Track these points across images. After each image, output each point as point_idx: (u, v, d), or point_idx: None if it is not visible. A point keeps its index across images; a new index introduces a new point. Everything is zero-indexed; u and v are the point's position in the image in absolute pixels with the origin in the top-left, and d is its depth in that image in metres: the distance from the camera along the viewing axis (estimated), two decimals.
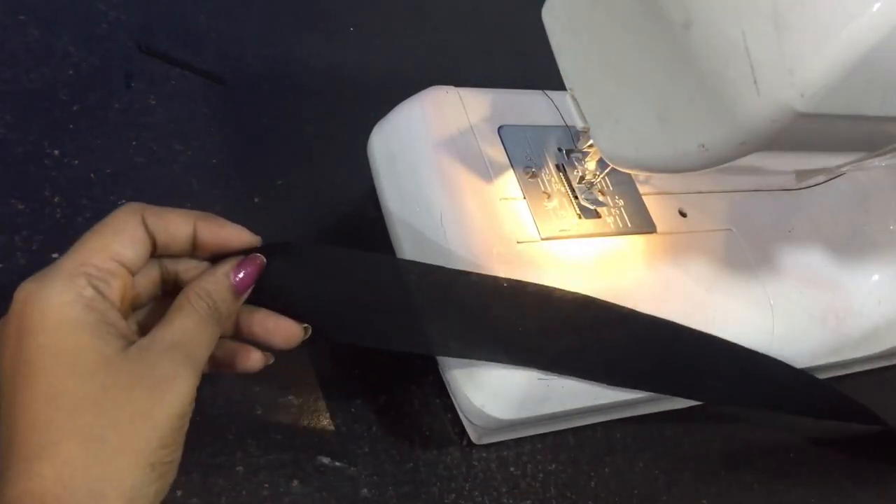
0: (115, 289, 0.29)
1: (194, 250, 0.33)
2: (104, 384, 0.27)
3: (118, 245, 0.29)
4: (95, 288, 0.28)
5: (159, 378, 0.28)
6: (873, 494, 0.51)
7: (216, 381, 0.41)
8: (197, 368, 0.30)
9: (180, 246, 0.32)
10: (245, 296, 0.33)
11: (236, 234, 0.33)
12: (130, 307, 0.31)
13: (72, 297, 0.27)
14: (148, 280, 0.32)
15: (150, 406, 0.28)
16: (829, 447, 0.52)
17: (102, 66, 0.50)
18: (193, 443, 0.39)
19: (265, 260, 0.33)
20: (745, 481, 0.49)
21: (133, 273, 0.30)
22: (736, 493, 0.48)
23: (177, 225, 0.31)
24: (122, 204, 0.31)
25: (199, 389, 0.41)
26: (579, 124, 0.36)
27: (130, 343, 0.28)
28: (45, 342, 0.27)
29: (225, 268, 0.32)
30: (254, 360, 0.35)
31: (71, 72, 0.49)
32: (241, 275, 0.32)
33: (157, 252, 0.32)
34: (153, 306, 0.33)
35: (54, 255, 0.42)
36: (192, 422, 0.40)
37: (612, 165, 0.36)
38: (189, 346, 0.29)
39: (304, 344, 0.35)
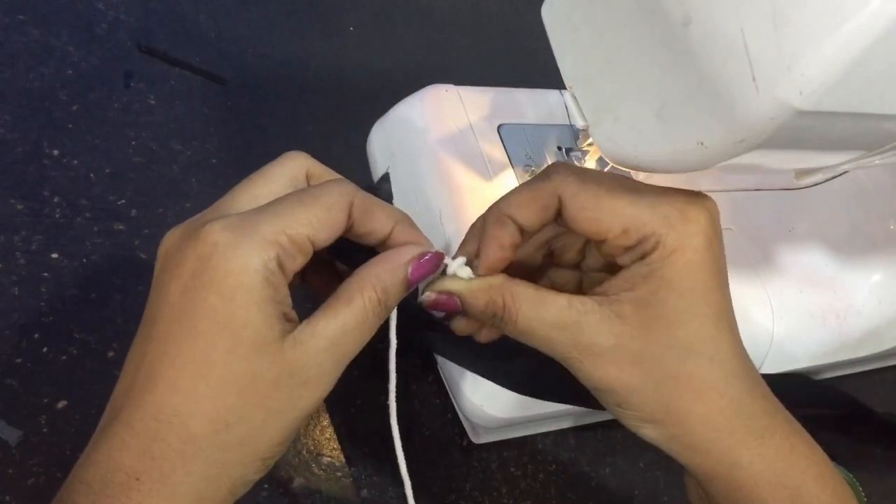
0: (297, 266, 0.27)
1: (379, 246, 0.30)
2: (255, 373, 0.26)
3: (321, 224, 0.27)
4: (280, 262, 0.26)
5: (303, 381, 0.27)
6: (873, 493, 0.51)
7: None
8: (340, 371, 0.28)
9: (373, 241, 0.30)
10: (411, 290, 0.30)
11: (424, 246, 0.30)
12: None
13: (259, 264, 0.26)
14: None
15: (285, 409, 0.27)
16: (829, 447, 0.51)
17: (102, 66, 0.50)
18: None
19: (444, 255, 0.31)
20: None
21: (317, 253, 0.28)
22: None
23: (380, 221, 0.29)
24: (334, 184, 0.28)
25: None
26: (579, 122, 0.35)
27: (289, 324, 0.27)
28: (218, 306, 0.25)
29: (405, 257, 0.29)
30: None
31: (70, 72, 0.49)
32: (419, 266, 0.30)
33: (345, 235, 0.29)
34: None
35: (54, 255, 0.42)
36: None
37: (611, 164, 0.36)
38: (345, 347, 0.28)
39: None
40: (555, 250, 0.34)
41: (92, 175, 0.46)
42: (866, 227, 0.52)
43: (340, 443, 0.42)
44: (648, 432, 0.30)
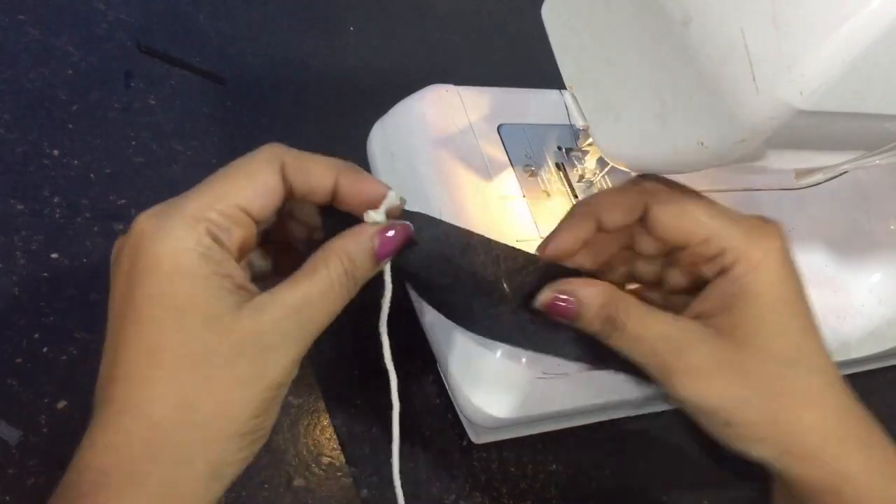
0: (236, 238, 0.27)
1: (332, 203, 0.30)
2: (208, 346, 0.25)
3: (249, 192, 0.27)
4: (215, 237, 0.26)
5: (264, 347, 0.26)
6: None
7: None
8: (308, 339, 0.27)
9: (319, 198, 0.30)
10: (382, 266, 0.30)
11: (379, 190, 0.30)
12: (250, 252, 0.30)
13: (190, 244, 0.26)
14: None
15: (250, 378, 0.26)
16: None
17: (102, 66, 0.50)
18: None
19: (412, 228, 0.30)
20: (745, 481, 0.48)
21: (259, 223, 0.28)
22: (736, 493, 0.48)
23: (318, 176, 0.29)
24: (259, 150, 0.28)
25: None
26: (579, 122, 0.36)
27: (246, 293, 0.27)
28: (157, 291, 0.25)
29: (370, 230, 0.29)
30: None
31: (70, 72, 0.49)
32: (386, 240, 0.29)
33: (291, 200, 0.29)
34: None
35: (54, 255, 0.42)
36: None
37: (611, 164, 0.36)
38: (307, 315, 0.27)
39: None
40: (635, 274, 0.35)
41: (92, 175, 0.46)
42: (866, 227, 0.52)
43: (340, 443, 0.42)
44: (760, 450, 0.30)
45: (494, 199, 0.41)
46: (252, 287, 0.27)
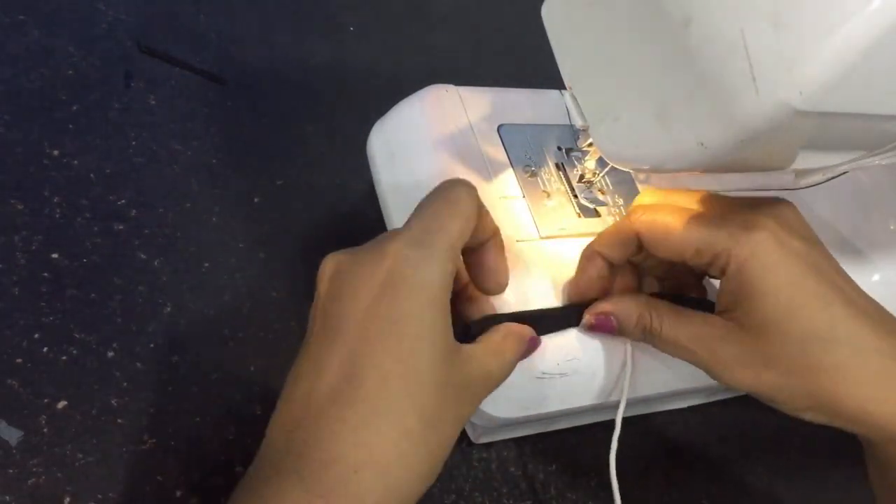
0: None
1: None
2: (449, 376, 0.28)
3: (467, 233, 0.30)
4: (452, 275, 0.29)
5: (473, 392, 0.30)
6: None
7: (216, 380, 0.41)
8: (483, 399, 0.32)
9: (475, 243, 0.33)
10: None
11: (502, 270, 0.34)
12: None
13: (442, 277, 0.28)
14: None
15: (466, 413, 0.30)
16: (829, 445, 0.51)
17: (102, 66, 0.50)
18: (193, 443, 0.39)
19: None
20: (745, 481, 0.48)
21: None
22: (736, 493, 0.48)
23: (486, 230, 0.33)
24: (465, 190, 0.31)
25: (198, 390, 0.41)
26: (579, 123, 0.36)
27: (452, 334, 0.29)
28: (418, 312, 0.27)
29: (529, 334, 0.34)
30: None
31: (71, 72, 0.49)
32: (532, 344, 0.35)
33: None
34: None
35: (54, 255, 0.42)
36: (192, 422, 0.40)
37: (611, 164, 0.36)
38: (490, 381, 0.32)
39: None
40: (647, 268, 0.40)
41: (92, 175, 0.46)
42: (866, 227, 0.52)
43: None
44: (811, 417, 0.33)
45: (494, 199, 0.41)
46: None
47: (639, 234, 0.35)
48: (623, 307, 0.36)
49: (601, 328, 0.37)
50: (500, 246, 0.34)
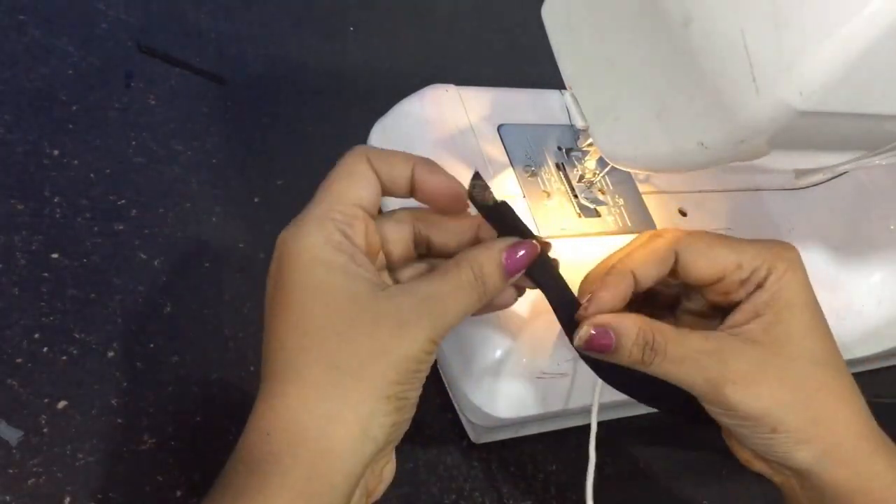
0: (359, 231, 0.31)
1: (412, 193, 0.33)
2: (350, 318, 0.29)
3: (355, 189, 0.31)
4: (343, 233, 0.30)
5: (401, 321, 0.29)
6: None
7: (215, 380, 0.41)
8: (439, 329, 0.30)
9: (400, 188, 0.33)
10: (513, 279, 0.33)
11: (446, 183, 0.33)
12: (378, 251, 0.33)
13: (321, 239, 0.30)
14: (399, 237, 0.34)
15: (389, 345, 0.29)
16: None
17: (102, 66, 0.50)
18: (193, 442, 0.39)
19: (540, 248, 0.33)
20: (745, 481, 0.48)
21: (371, 214, 0.32)
22: (736, 493, 0.48)
23: (398, 167, 0.33)
24: (347, 154, 0.32)
25: (199, 390, 0.41)
26: (579, 123, 0.36)
27: (380, 283, 0.30)
28: (300, 278, 0.29)
29: (500, 244, 0.32)
30: (507, 296, 0.35)
31: (71, 72, 0.49)
32: (515, 256, 0.32)
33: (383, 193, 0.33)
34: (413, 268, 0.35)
35: (54, 255, 0.42)
36: (192, 422, 0.40)
37: (611, 164, 0.36)
38: (438, 306, 0.30)
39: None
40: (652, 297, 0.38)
41: (92, 175, 0.46)
42: (866, 227, 0.52)
43: None
44: (802, 454, 0.32)
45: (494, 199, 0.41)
46: (387, 279, 0.33)
47: (679, 249, 0.34)
48: (623, 321, 0.33)
49: (596, 345, 0.33)
50: (428, 165, 0.33)
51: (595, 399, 0.37)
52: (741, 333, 0.33)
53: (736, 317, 0.34)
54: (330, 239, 0.30)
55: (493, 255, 0.31)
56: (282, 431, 0.28)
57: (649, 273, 0.35)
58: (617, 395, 0.41)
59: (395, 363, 0.29)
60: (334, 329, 0.29)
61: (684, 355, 0.32)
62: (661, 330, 0.33)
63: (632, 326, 0.33)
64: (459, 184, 0.33)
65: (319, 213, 0.30)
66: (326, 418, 0.28)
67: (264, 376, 0.30)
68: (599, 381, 0.36)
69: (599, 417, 0.46)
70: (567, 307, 0.34)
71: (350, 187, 0.31)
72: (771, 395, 0.32)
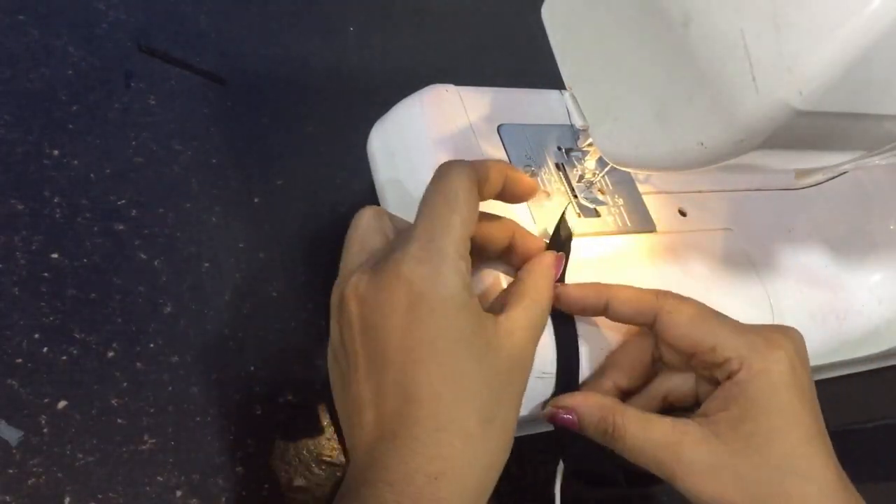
0: (469, 264, 0.32)
1: (498, 197, 0.36)
2: (494, 367, 0.31)
3: (470, 217, 0.32)
4: (466, 268, 0.31)
5: (525, 362, 0.33)
6: (875, 492, 0.51)
7: (215, 381, 0.41)
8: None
9: (489, 195, 0.35)
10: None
11: (530, 186, 0.37)
12: None
13: (460, 284, 0.30)
14: None
15: (520, 389, 0.32)
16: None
17: (102, 66, 0.50)
18: (193, 442, 0.39)
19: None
20: None
21: None
22: None
23: (490, 190, 0.35)
24: (457, 178, 0.32)
25: (199, 390, 0.41)
26: (578, 122, 0.36)
27: (490, 315, 0.32)
28: (446, 325, 0.30)
29: (549, 259, 0.36)
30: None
31: (71, 72, 0.49)
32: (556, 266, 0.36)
33: None
34: None
35: (54, 255, 0.42)
36: (193, 422, 0.40)
37: (611, 164, 0.36)
38: (535, 333, 0.33)
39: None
40: (671, 395, 0.38)
41: (92, 175, 0.46)
42: (866, 227, 0.52)
43: (340, 443, 0.42)
44: None
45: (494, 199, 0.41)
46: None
47: (660, 308, 0.35)
48: (587, 404, 0.35)
49: (561, 422, 0.35)
50: (510, 172, 0.36)
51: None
52: (709, 424, 0.33)
53: (709, 404, 0.34)
54: (464, 281, 0.31)
55: (551, 273, 0.36)
56: (451, 479, 0.29)
57: (623, 311, 0.36)
58: None
59: (519, 405, 0.32)
60: (484, 380, 0.30)
61: (642, 446, 0.33)
62: (626, 416, 0.34)
63: (595, 411, 0.34)
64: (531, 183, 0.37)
65: (454, 254, 0.31)
66: (486, 469, 0.30)
67: (412, 425, 0.29)
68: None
69: None
70: (567, 373, 0.37)
71: (467, 217, 0.32)
72: (719, 493, 0.32)
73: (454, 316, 0.30)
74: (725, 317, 0.35)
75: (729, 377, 0.33)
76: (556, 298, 0.36)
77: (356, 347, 0.31)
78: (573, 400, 0.35)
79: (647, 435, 0.33)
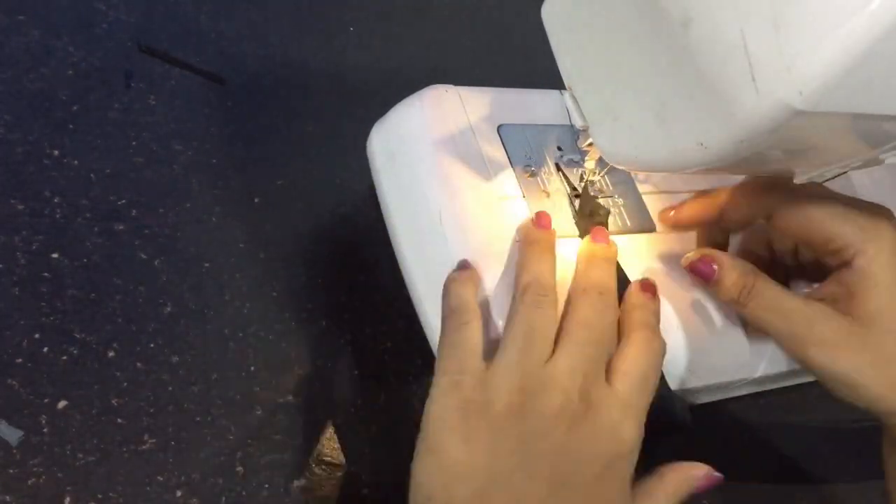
0: None
1: None
2: None
3: None
4: None
5: None
6: (876, 493, 0.51)
7: (216, 381, 0.41)
8: None
9: None
10: None
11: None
12: None
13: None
14: None
15: None
16: (830, 446, 0.51)
17: (102, 66, 0.50)
18: (193, 443, 0.39)
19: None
20: (745, 481, 0.48)
21: None
22: (736, 494, 0.48)
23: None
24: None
25: (199, 390, 0.41)
26: (578, 123, 0.36)
27: None
28: (624, 489, 0.33)
29: (701, 472, 0.36)
30: None
31: (71, 72, 0.49)
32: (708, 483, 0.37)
33: None
34: None
35: (54, 255, 0.42)
36: (193, 422, 0.40)
37: (611, 164, 0.36)
38: None
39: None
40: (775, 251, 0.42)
41: (92, 175, 0.46)
42: None
43: (340, 443, 0.42)
44: (878, 405, 0.36)
45: (494, 199, 0.41)
46: None
47: (775, 207, 0.37)
48: (730, 261, 0.37)
49: (700, 271, 0.38)
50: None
51: None
52: (833, 304, 0.36)
53: (829, 289, 0.37)
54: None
55: (692, 486, 0.36)
56: None
57: (737, 216, 0.39)
58: None
59: None
60: None
61: (778, 308, 0.36)
62: (764, 279, 0.37)
63: (736, 266, 0.37)
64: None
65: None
66: None
67: None
68: None
69: None
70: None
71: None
72: (848, 359, 0.35)
73: (624, 492, 0.32)
74: (836, 202, 0.37)
75: (844, 264, 0.36)
76: (674, 223, 0.41)
77: (542, 450, 0.32)
78: (717, 253, 0.38)
79: (782, 304, 0.36)
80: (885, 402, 0.35)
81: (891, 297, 0.35)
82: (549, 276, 0.36)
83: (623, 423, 0.32)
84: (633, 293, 0.37)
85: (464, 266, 0.36)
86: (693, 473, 0.35)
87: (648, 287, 0.37)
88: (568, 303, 0.36)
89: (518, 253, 0.37)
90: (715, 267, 0.37)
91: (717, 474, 0.35)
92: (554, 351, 0.33)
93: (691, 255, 0.38)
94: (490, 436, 0.31)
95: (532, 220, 0.38)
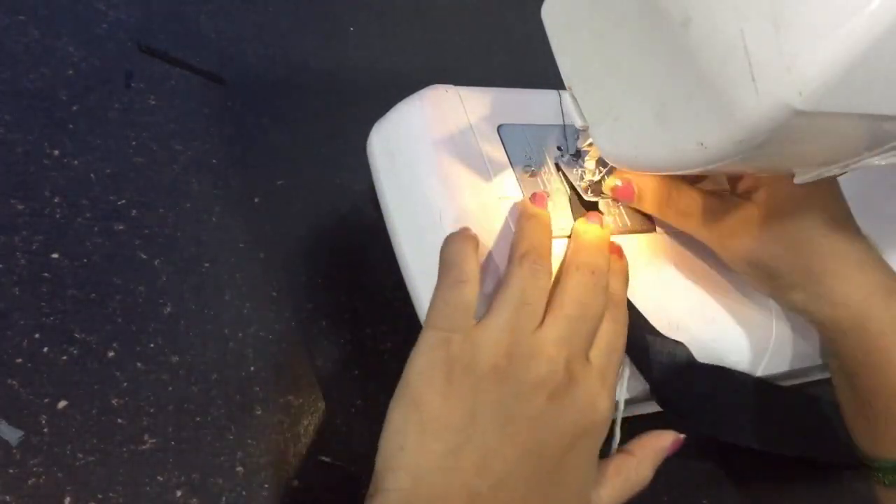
0: None
1: None
2: None
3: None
4: None
5: None
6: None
7: (216, 381, 0.41)
8: None
9: None
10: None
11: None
12: None
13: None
14: None
15: None
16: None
17: (102, 66, 0.50)
18: (193, 443, 0.39)
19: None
20: (745, 481, 0.48)
21: None
22: (736, 494, 0.48)
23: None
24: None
25: (198, 390, 0.41)
26: (578, 123, 0.36)
27: None
28: (594, 460, 0.34)
29: (665, 442, 0.37)
30: None
31: (71, 72, 0.49)
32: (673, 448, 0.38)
33: None
34: None
35: (54, 255, 0.42)
36: (193, 422, 0.40)
37: (611, 164, 0.36)
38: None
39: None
40: None
41: (92, 175, 0.46)
42: (866, 228, 0.52)
43: (340, 443, 0.42)
44: (796, 296, 0.37)
45: (494, 199, 0.41)
46: None
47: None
48: (645, 179, 0.40)
49: (622, 193, 0.40)
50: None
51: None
52: (751, 198, 0.38)
53: (746, 182, 0.38)
54: None
55: (656, 460, 0.37)
56: None
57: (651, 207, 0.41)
58: (617, 395, 0.41)
59: None
60: None
61: (693, 210, 0.39)
62: (678, 186, 0.39)
63: (652, 180, 0.39)
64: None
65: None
66: None
67: None
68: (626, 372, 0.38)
69: None
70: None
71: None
72: (764, 247, 0.37)
73: (593, 465, 0.33)
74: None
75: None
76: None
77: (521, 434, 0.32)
78: (633, 174, 0.40)
79: (697, 202, 0.39)
80: (800, 292, 0.37)
81: (800, 188, 0.36)
82: (546, 247, 0.36)
83: (599, 396, 0.33)
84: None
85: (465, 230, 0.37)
86: (661, 445, 0.36)
87: (615, 249, 0.38)
88: (560, 277, 0.36)
89: (515, 225, 0.38)
90: (634, 187, 0.40)
91: (681, 436, 0.37)
92: (543, 320, 0.33)
93: (610, 181, 0.41)
94: (471, 395, 0.31)
95: (529, 198, 0.39)
